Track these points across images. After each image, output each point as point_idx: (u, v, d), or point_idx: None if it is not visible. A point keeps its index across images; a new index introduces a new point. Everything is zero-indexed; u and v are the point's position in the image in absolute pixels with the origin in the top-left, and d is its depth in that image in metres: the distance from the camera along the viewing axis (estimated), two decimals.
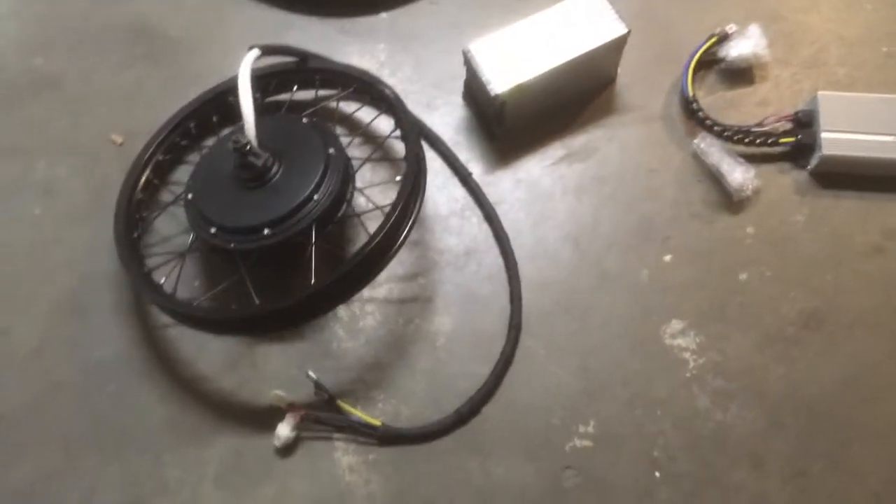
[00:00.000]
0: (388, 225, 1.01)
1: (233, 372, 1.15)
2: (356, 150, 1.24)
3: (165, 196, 1.24)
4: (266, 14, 1.37)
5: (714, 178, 1.24)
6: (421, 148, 1.12)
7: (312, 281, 1.02)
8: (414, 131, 1.10)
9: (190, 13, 1.37)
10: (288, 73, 1.24)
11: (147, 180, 1.20)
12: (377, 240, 1.00)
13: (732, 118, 1.27)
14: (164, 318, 1.15)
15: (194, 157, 1.26)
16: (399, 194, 1.04)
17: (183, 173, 1.26)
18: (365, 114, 1.26)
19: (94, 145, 1.28)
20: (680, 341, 1.16)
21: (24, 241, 1.23)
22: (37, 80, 1.33)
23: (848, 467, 1.08)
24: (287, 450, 1.10)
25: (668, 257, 1.20)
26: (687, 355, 1.15)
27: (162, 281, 1.10)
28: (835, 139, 1.20)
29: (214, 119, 1.25)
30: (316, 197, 1.05)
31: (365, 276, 1.03)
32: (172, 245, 1.21)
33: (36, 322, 1.18)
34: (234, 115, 1.26)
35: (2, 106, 1.31)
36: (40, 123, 1.30)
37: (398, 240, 1.04)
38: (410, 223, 1.06)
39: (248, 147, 1.05)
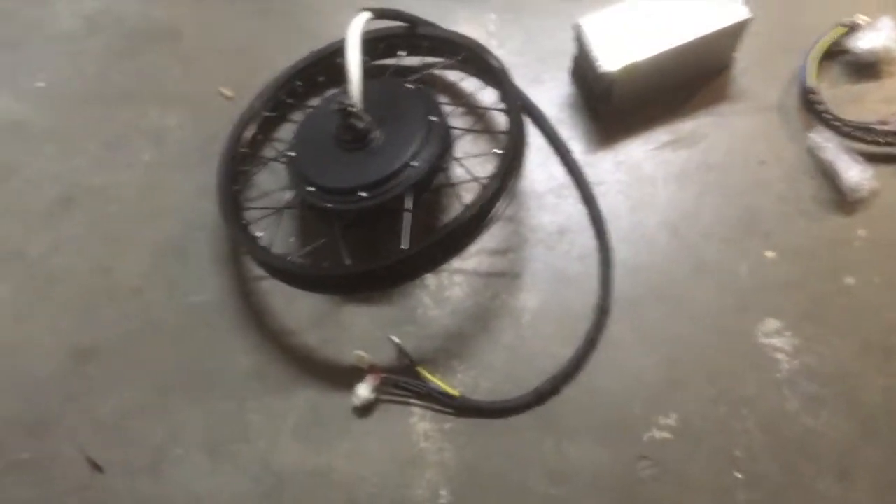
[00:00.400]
0: (485, 197, 1.00)
1: (319, 328, 1.17)
2: (458, 120, 1.23)
3: (268, 152, 1.27)
4: None
5: (827, 175, 1.18)
6: (523, 122, 1.10)
7: (404, 246, 1.02)
8: (517, 105, 1.09)
9: None
10: (396, 37, 1.24)
11: (252, 135, 1.23)
12: (472, 211, 1.00)
13: (854, 114, 1.20)
14: (258, 270, 1.17)
15: (299, 116, 1.27)
16: (497, 167, 1.03)
17: (287, 131, 1.28)
18: (470, 84, 1.25)
19: (205, 97, 1.31)
20: (774, 341, 1.11)
21: (133, 185, 1.28)
22: (155, 30, 1.37)
23: None
24: (365, 410, 1.11)
25: (770, 253, 1.16)
26: (780, 356, 1.11)
27: (259, 234, 1.12)
28: None
29: (321, 79, 1.27)
30: (414, 163, 1.05)
31: (457, 246, 1.03)
32: (271, 200, 1.24)
33: (138, 263, 1.23)
34: (340, 76, 1.27)
35: (120, 54, 1.36)
36: (155, 73, 1.34)
37: (492, 212, 1.03)
38: (507, 197, 1.05)
39: (352, 109, 1.06)
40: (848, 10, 1.26)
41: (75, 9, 1.40)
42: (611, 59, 1.13)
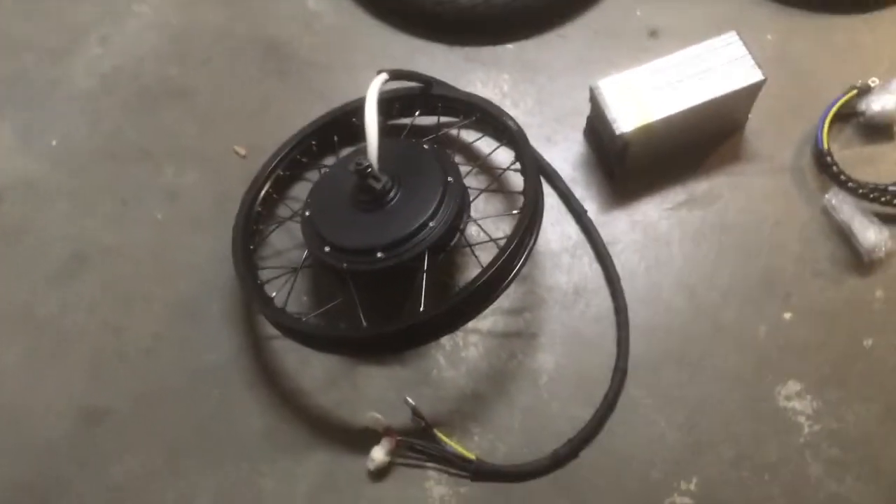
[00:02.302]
0: (503, 258, 1.00)
1: (333, 389, 1.15)
2: (473, 180, 1.23)
3: (282, 210, 1.26)
4: (394, 38, 1.39)
5: (843, 236, 1.18)
6: (540, 184, 1.10)
7: (422, 308, 1.01)
8: (534, 167, 1.09)
9: (321, 34, 1.40)
10: (412, 97, 1.24)
11: (266, 194, 1.23)
12: (491, 272, 0.99)
13: (868, 175, 1.21)
14: (272, 330, 1.16)
15: (313, 175, 1.27)
16: (515, 228, 1.03)
17: (300, 189, 1.28)
18: (485, 144, 1.25)
19: (219, 156, 1.32)
20: (795, 404, 1.10)
21: (146, 243, 1.27)
22: (170, 89, 1.38)
23: None
24: (379, 474, 1.09)
25: (788, 315, 1.15)
26: (802, 419, 1.09)
27: (273, 294, 1.11)
28: None
29: (336, 139, 1.27)
30: (431, 224, 1.05)
31: (475, 308, 1.02)
32: (285, 259, 1.23)
33: (151, 323, 1.22)
34: (354, 135, 1.29)
35: (136, 111, 1.37)
36: (171, 131, 1.35)
37: (511, 274, 1.03)
38: (524, 258, 1.04)
39: (369, 170, 1.06)
40: (859, 72, 1.27)
41: (92, 67, 1.41)
42: (626, 120, 1.13)
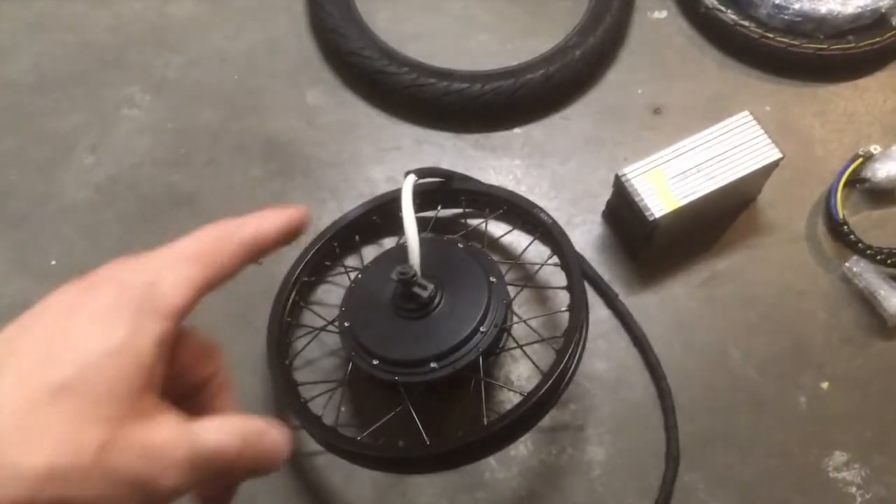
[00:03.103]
0: (565, 360, 0.99)
1: (383, 503, 1.11)
2: (508, 275, 1.22)
3: (308, 318, 1.22)
4: (399, 128, 1.37)
5: (865, 302, 1.21)
6: (582, 279, 1.09)
7: (485, 418, 0.99)
8: (577, 263, 1.09)
9: (323, 129, 1.37)
10: (434, 192, 1.22)
11: (293, 302, 1.18)
12: (555, 375, 0.97)
13: (877, 239, 1.25)
14: (313, 445, 1.12)
15: (336, 279, 1.24)
16: (569, 329, 1.02)
17: (324, 293, 1.25)
18: (515, 236, 1.24)
19: None
20: (845, 475, 1.12)
21: None
22: (172, 196, 1.32)
23: None
24: None
25: (825, 384, 1.17)
26: (853, 490, 1.11)
27: (321, 413, 1.07)
28: None
29: (357, 238, 1.24)
30: (482, 329, 1.03)
31: (540, 414, 1.00)
32: (319, 370, 1.19)
33: None
34: (376, 233, 1.26)
35: (138, 222, 1.30)
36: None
37: (568, 374, 1.02)
38: (578, 358, 1.03)
39: (414, 278, 1.03)
40: (853, 139, 1.33)
41: (83, 179, 1.33)
42: (656, 206, 1.14)
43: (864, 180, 1.28)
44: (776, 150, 1.18)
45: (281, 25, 1.47)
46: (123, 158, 1.35)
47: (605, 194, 1.25)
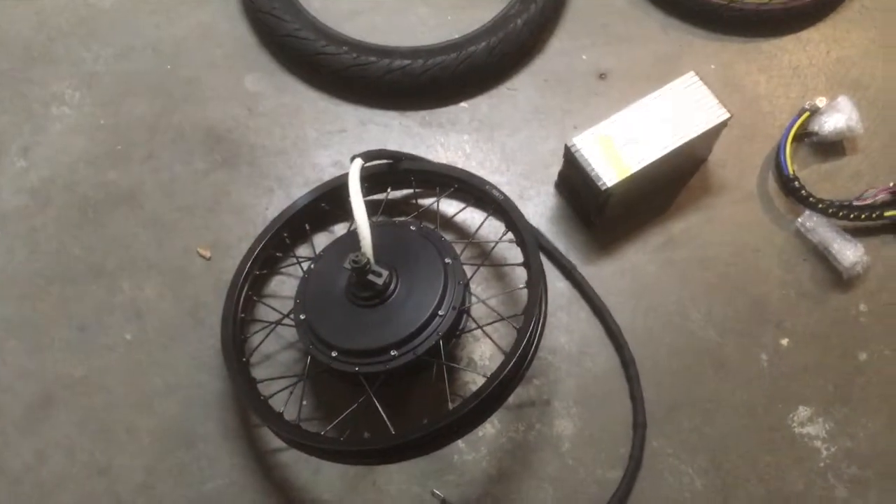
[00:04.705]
0: (527, 338, 0.97)
1: (354, 495, 1.10)
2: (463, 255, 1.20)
3: (263, 312, 1.19)
4: (343, 110, 1.33)
5: (820, 256, 1.22)
6: (539, 253, 1.08)
7: (449, 403, 0.97)
8: (532, 237, 1.07)
9: (265, 116, 1.33)
10: (382, 174, 1.20)
11: (246, 297, 1.15)
12: (517, 354, 0.96)
13: (827, 191, 1.25)
14: (276, 442, 1.10)
15: (288, 269, 1.21)
16: (528, 305, 1.01)
17: (277, 285, 1.22)
18: (469, 214, 1.22)
19: (181, 261, 1.22)
20: (809, 429, 1.13)
21: (118, 370, 1.17)
22: (112, 194, 1.27)
23: None
24: None
25: (784, 340, 1.18)
26: (818, 443, 1.12)
27: (282, 410, 1.04)
28: None
29: (307, 227, 1.21)
30: (441, 312, 1.01)
31: (506, 391, 0.99)
32: (278, 364, 1.16)
33: (139, 455, 1.12)
34: (326, 220, 1.23)
35: (78, 225, 1.25)
36: (121, 241, 1.24)
37: (532, 350, 1.01)
38: (539, 334, 1.02)
39: (367, 266, 1.01)
40: (802, 93, 1.32)
41: (17, 184, 1.28)
42: (608, 174, 1.13)
43: (812, 134, 1.28)
44: (723, 109, 1.17)
45: (212, 10, 1.41)
46: (57, 159, 1.30)
47: (557, 164, 1.23)
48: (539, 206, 1.27)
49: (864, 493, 1.09)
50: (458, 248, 1.10)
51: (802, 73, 1.36)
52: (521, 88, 1.35)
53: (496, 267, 1.21)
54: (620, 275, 1.22)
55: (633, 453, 1.10)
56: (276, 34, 1.32)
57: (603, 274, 1.22)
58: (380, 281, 1.02)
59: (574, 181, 1.21)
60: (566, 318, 1.20)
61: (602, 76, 1.36)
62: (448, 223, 1.23)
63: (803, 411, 1.14)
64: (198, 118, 1.32)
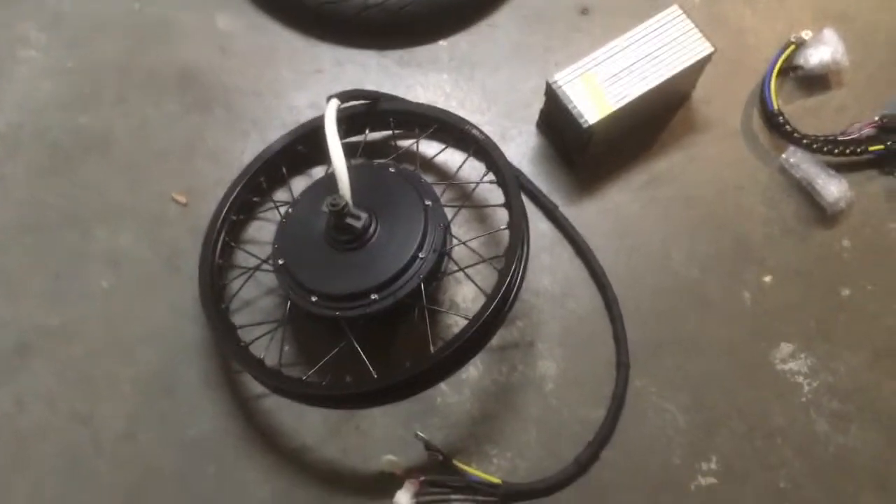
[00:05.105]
0: (508, 279, 0.96)
1: (337, 439, 1.10)
2: (445, 196, 1.18)
3: (241, 258, 1.17)
4: (319, 50, 1.30)
5: (804, 192, 1.21)
6: (520, 194, 1.06)
7: (431, 346, 0.97)
8: (513, 178, 1.05)
9: (239, 56, 1.29)
10: (360, 115, 1.17)
11: (223, 244, 1.13)
12: (499, 296, 0.95)
13: (812, 127, 1.24)
14: (258, 388, 1.09)
15: (267, 214, 1.19)
16: (510, 247, 1.00)
17: (256, 231, 1.20)
18: (449, 155, 1.20)
19: (156, 207, 1.20)
20: (791, 365, 1.13)
21: (96, 318, 1.15)
22: (84, 140, 1.24)
23: None
24: None
25: (767, 278, 1.17)
26: (800, 379, 1.13)
27: (262, 356, 1.03)
28: None
29: (284, 171, 1.18)
30: (421, 255, 1.00)
31: (488, 333, 0.98)
32: (258, 311, 1.15)
33: (121, 404, 1.11)
34: (304, 164, 1.21)
35: (50, 172, 1.22)
36: (95, 188, 1.21)
37: (513, 292, 1.00)
38: (521, 275, 1.01)
39: (345, 208, 0.99)
40: (788, 26, 1.29)
41: None
42: (590, 112, 1.11)
43: (798, 68, 1.26)
44: (707, 43, 1.14)
45: None
46: (25, 104, 1.26)
47: (539, 103, 1.21)
48: (521, 146, 1.25)
49: (845, 427, 1.10)
50: (438, 190, 1.08)
51: (788, 4, 1.33)
52: (501, 25, 1.32)
53: (477, 208, 1.19)
54: (604, 215, 1.21)
55: (615, 392, 1.11)
56: None
57: (586, 214, 1.21)
58: (358, 224, 1.00)
59: (556, 120, 1.19)
60: (549, 260, 1.19)
61: (584, 11, 1.32)
62: (428, 164, 1.21)
63: (785, 348, 1.14)
64: (169, 59, 1.29)
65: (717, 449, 1.09)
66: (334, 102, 1.07)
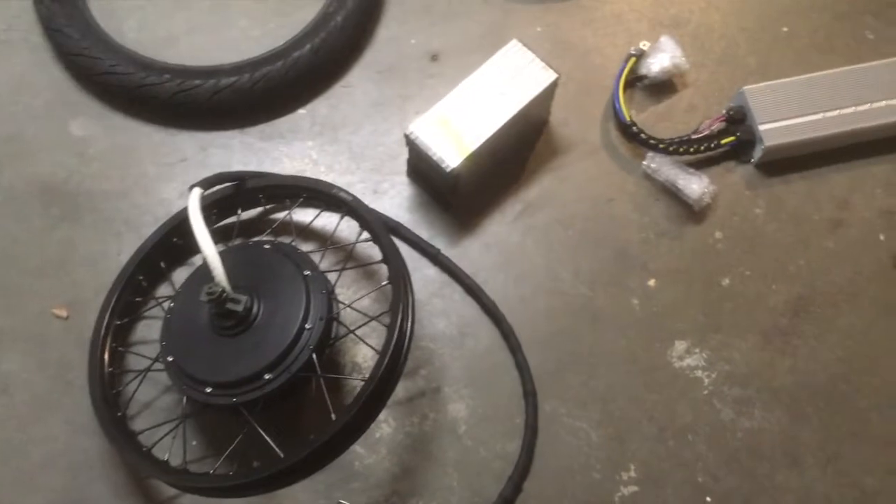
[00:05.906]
0: (397, 334, 0.97)
1: None
2: (325, 261, 1.18)
3: (133, 361, 1.15)
4: (180, 138, 1.29)
5: (670, 194, 1.26)
6: (396, 247, 1.07)
7: (332, 413, 0.97)
8: (385, 232, 1.07)
9: (99, 160, 1.27)
10: (229, 197, 1.17)
11: (111, 350, 1.11)
12: (390, 352, 0.96)
13: (666, 131, 1.29)
14: (171, 490, 1.07)
15: (152, 312, 1.17)
16: (393, 300, 1.01)
17: (143, 330, 1.18)
18: (324, 219, 1.21)
19: (37, 327, 1.17)
20: (688, 361, 1.17)
21: None
22: None
23: (873, 436, 1.13)
24: None
25: (651, 281, 1.21)
26: (699, 373, 1.16)
27: (166, 457, 1.02)
28: (772, 129, 1.24)
29: (162, 265, 1.17)
30: (307, 325, 1.00)
31: (390, 387, 0.99)
32: (158, 411, 1.13)
33: None
34: (181, 255, 1.20)
35: None
36: None
37: (406, 342, 1.01)
38: (411, 323, 1.02)
39: (223, 295, 0.99)
40: (627, 39, 1.36)
41: None
42: (451, 156, 1.13)
43: (643, 77, 1.32)
44: (550, 71, 1.19)
45: (22, 60, 1.34)
46: None
47: (406, 153, 1.23)
48: (395, 198, 1.27)
49: (749, 410, 1.14)
50: (317, 257, 1.09)
51: (625, 20, 1.39)
52: (356, 83, 1.34)
53: (361, 267, 1.20)
54: (486, 249, 1.23)
55: (527, 422, 1.12)
56: (94, 74, 1.27)
57: (470, 252, 1.23)
58: (239, 307, 1.00)
59: (422, 167, 1.21)
60: (441, 303, 1.20)
61: (434, 57, 1.36)
62: (307, 232, 1.21)
63: (680, 345, 1.18)
64: (28, 174, 1.26)
65: (634, 456, 1.12)
66: (196, 191, 1.07)
